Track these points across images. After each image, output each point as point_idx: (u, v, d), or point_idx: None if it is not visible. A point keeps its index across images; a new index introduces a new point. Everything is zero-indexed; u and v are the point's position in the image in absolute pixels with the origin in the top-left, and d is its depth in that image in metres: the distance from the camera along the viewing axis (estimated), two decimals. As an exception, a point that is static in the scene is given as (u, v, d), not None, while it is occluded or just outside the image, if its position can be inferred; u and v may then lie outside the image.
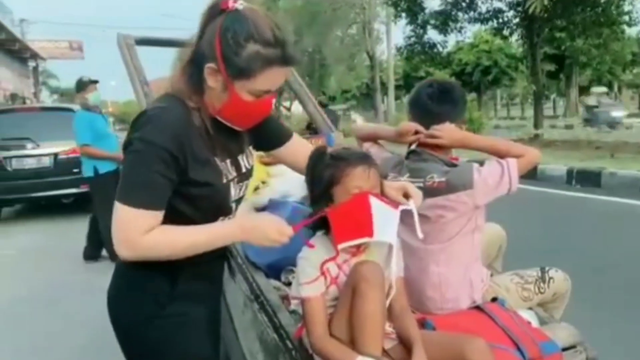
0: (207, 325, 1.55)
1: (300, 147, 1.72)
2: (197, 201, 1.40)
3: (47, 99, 39.57)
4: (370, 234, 1.47)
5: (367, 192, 1.49)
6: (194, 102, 1.39)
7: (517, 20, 15.54)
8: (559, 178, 9.10)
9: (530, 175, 9.55)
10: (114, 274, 1.52)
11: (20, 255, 6.40)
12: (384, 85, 28.79)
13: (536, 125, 15.19)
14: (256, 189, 2.45)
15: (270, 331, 1.75)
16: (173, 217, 1.36)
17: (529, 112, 23.34)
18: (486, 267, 2.21)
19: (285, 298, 1.88)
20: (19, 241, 7.22)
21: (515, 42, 19.73)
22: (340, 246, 1.50)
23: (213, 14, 1.35)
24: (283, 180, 2.39)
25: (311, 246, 1.54)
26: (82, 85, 5.64)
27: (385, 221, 1.50)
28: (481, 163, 1.89)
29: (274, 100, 1.49)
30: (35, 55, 32.26)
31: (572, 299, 2.12)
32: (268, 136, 1.65)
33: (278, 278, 2.02)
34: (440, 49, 17.60)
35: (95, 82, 5.69)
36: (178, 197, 1.37)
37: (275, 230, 1.41)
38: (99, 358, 1.52)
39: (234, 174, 1.48)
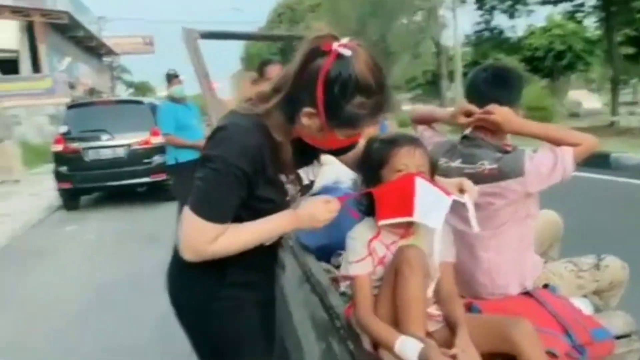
0: (261, 310, 1.64)
1: (358, 149, 1.74)
2: (259, 214, 1.48)
3: (122, 93, 41.37)
4: (410, 213, 1.50)
5: (413, 173, 1.53)
6: (279, 137, 1.42)
7: (592, 2, 14.81)
8: (634, 167, 8.66)
9: (604, 164, 9.15)
10: (172, 260, 1.63)
11: (99, 239, 6.86)
12: (451, 73, 28.23)
13: (613, 112, 14.47)
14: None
15: (320, 311, 1.81)
16: (233, 222, 1.45)
17: (606, 98, 22.18)
18: (541, 255, 2.19)
19: (335, 280, 1.94)
20: (97, 226, 7.69)
21: (591, 26, 18.81)
22: (381, 222, 1.55)
23: (314, 55, 1.30)
24: (333, 167, 2.44)
25: (356, 216, 1.59)
26: (168, 79, 5.92)
27: (431, 204, 1.52)
28: (535, 151, 1.87)
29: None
30: (110, 51, 33.80)
31: (633, 287, 2.07)
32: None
33: (328, 261, 2.09)
34: (509, 35, 17.06)
35: (177, 76, 5.93)
36: (242, 208, 1.44)
37: (323, 211, 1.48)
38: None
39: (295, 190, 1.54)
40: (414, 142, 1.61)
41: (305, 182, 1.60)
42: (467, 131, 1.98)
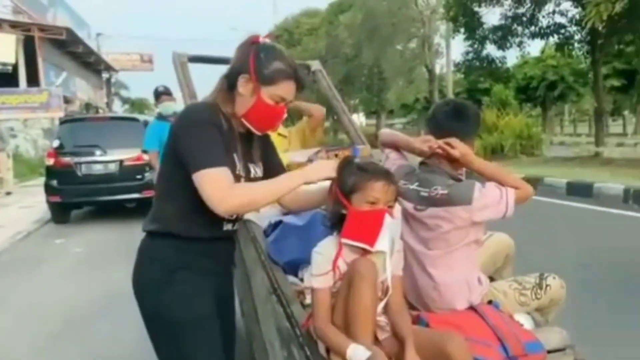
0: (212, 297, 1.81)
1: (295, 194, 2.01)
2: None
3: (118, 109, 41.63)
4: (371, 244, 1.68)
5: (385, 209, 1.69)
6: (226, 109, 1.78)
7: (578, 36, 15.21)
8: (615, 197, 8.89)
9: (587, 193, 9.42)
10: (138, 252, 1.85)
11: (86, 252, 6.97)
12: (444, 98, 28.44)
13: (597, 142, 14.79)
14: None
15: (284, 321, 1.97)
16: (186, 193, 1.67)
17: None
18: (494, 273, 2.37)
19: (301, 292, 2.09)
20: (86, 240, 7.79)
21: (581, 57, 19.22)
22: (344, 240, 1.70)
23: (247, 44, 1.79)
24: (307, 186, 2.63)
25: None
26: (156, 95, 5.90)
27: (385, 233, 1.70)
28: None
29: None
30: (108, 67, 34.09)
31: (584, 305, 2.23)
32: (269, 165, 1.96)
33: (296, 274, 2.25)
34: (499, 64, 17.40)
35: (169, 93, 5.89)
36: None
37: (326, 164, 1.82)
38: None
39: (244, 174, 1.80)
40: (389, 177, 1.73)
41: (252, 175, 1.83)
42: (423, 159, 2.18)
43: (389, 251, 1.73)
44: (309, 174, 1.79)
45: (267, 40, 1.81)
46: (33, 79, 21.09)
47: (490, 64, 17.28)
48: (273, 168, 1.96)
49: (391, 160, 2.30)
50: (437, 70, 28.28)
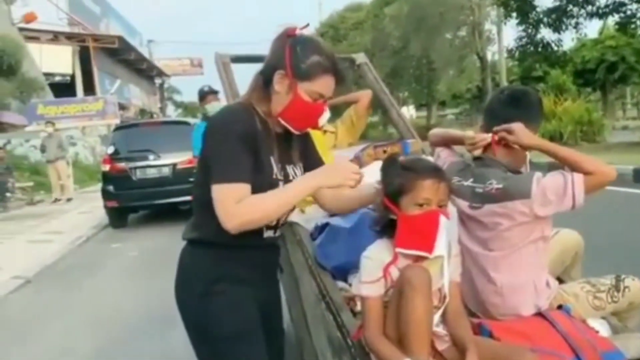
0: (256, 308, 1.71)
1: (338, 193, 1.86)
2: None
3: (172, 113, 42.61)
4: (430, 250, 1.54)
5: (439, 210, 1.55)
6: (262, 108, 1.68)
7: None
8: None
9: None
10: (179, 261, 1.77)
11: (141, 256, 7.08)
12: (497, 87, 27.72)
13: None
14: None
15: (334, 329, 1.85)
16: None
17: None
18: (561, 275, 2.17)
19: (351, 299, 1.97)
20: (140, 244, 7.93)
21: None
22: (399, 249, 1.57)
23: (283, 38, 1.67)
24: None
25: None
26: (202, 96, 5.71)
27: (442, 236, 1.56)
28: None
29: (327, 110, 1.73)
30: (160, 73, 35.00)
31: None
32: (309, 163, 1.83)
33: (345, 280, 2.13)
34: (555, 48, 16.63)
35: (215, 92, 5.69)
36: None
37: (348, 170, 1.64)
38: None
39: (282, 177, 1.69)
40: (439, 174, 1.58)
41: (291, 177, 1.72)
42: (477, 152, 2.01)
43: (446, 255, 1.59)
44: (321, 178, 1.65)
45: (304, 33, 1.69)
46: (89, 88, 21.91)
47: (546, 48, 16.49)
48: (314, 167, 1.84)
49: (442, 159, 2.14)
50: (489, 57, 27.52)
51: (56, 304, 5.36)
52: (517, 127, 1.87)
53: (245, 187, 1.55)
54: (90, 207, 11.50)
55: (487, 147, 1.97)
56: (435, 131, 2.33)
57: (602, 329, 1.81)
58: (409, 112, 43.86)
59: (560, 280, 2.11)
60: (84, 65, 22.06)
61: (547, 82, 28.87)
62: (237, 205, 1.52)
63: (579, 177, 1.74)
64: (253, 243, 1.68)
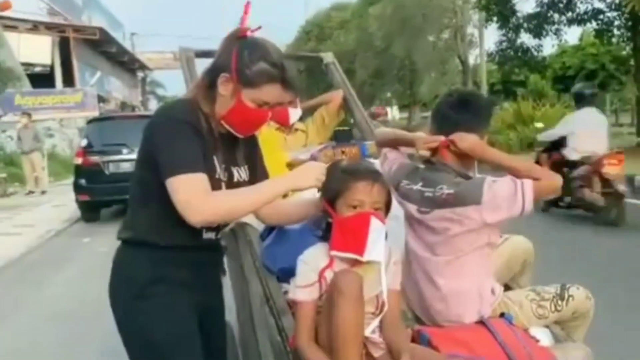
0: (193, 312, 1.66)
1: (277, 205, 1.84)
2: None
3: (154, 107, 42.19)
4: (361, 252, 1.52)
5: (370, 212, 1.53)
6: (205, 108, 1.62)
7: (618, 21, 14.54)
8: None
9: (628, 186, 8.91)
10: (113, 263, 1.71)
11: (110, 252, 6.93)
12: (478, 90, 27.86)
13: (638, 133, 14.14)
14: (285, 196, 2.52)
15: (276, 334, 1.81)
16: (160, 199, 1.52)
17: None
18: (509, 282, 2.16)
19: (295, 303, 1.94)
20: (112, 239, 7.79)
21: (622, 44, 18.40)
22: (332, 252, 1.55)
23: (232, 39, 1.62)
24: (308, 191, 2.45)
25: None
26: None
27: (379, 239, 1.54)
28: None
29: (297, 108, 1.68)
30: (143, 66, 34.61)
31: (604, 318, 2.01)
32: (252, 170, 1.79)
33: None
34: (535, 53, 16.78)
35: None
36: None
37: (318, 171, 1.63)
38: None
39: (225, 178, 1.64)
40: (373, 176, 1.58)
41: (235, 179, 1.69)
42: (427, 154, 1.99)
43: (384, 262, 1.56)
44: (295, 179, 1.64)
45: (255, 35, 1.64)
46: (68, 80, 21.58)
47: (525, 53, 16.64)
48: (258, 172, 1.81)
49: (390, 161, 2.10)
50: (471, 61, 27.68)
51: (20, 299, 5.26)
52: (471, 139, 1.86)
53: (205, 178, 1.51)
54: (64, 200, 11.30)
55: (435, 151, 1.95)
56: (383, 130, 2.30)
57: (544, 337, 1.80)
58: (392, 113, 43.96)
59: (508, 288, 2.10)
60: (63, 57, 21.73)
61: (527, 86, 29.12)
62: (203, 199, 1.48)
63: (528, 183, 1.72)
64: (191, 244, 1.64)
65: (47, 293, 5.43)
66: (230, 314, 2.28)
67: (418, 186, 1.92)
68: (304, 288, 1.56)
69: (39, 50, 20.97)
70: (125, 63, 30.90)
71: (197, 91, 1.66)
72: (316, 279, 1.55)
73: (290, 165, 2.67)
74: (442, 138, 1.91)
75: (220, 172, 1.63)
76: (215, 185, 1.59)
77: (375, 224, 1.53)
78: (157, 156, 1.53)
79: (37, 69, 21.44)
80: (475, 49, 26.83)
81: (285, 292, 2.01)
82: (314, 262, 1.57)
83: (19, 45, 20.07)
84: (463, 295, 1.83)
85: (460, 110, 1.91)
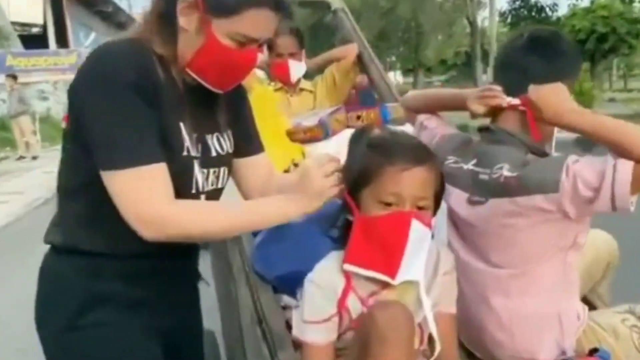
0: (155, 339, 1.17)
1: (259, 169, 1.34)
2: None
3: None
4: (392, 274, 1.02)
5: (411, 212, 1.01)
6: (162, 50, 1.11)
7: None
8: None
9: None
10: (39, 276, 1.21)
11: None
12: (485, 54, 27.12)
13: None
14: (286, 171, 1.99)
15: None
16: (98, 189, 1.03)
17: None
18: (586, 294, 1.61)
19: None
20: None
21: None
22: (347, 267, 1.05)
23: None
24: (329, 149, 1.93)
25: None
26: None
27: (418, 253, 1.03)
28: None
29: (261, 58, 1.18)
30: (140, 27, 33.79)
31: None
32: (239, 137, 1.28)
33: (293, 293, 1.55)
34: (550, 13, 16.03)
35: None
36: None
37: (320, 178, 1.07)
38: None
39: (198, 153, 1.13)
40: (418, 155, 1.05)
41: (214, 153, 1.19)
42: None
43: (423, 280, 1.03)
44: (300, 205, 1.11)
45: None
46: (62, 40, 20.93)
47: (539, 13, 15.90)
48: (251, 141, 1.29)
49: (430, 131, 1.53)
50: (479, 23, 26.79)
51: (2, 270, 4.90)
52: (546, 94, 1.28)
53: (162, 169, 1.04)
54: (55, 166, 10.82)
55: (497, 114, 1.38)
56: (415, 93, 1.71)
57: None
58: (395, 77, 43.09)
59: (586, 302, 1.54)
60: (56, 16, 20.97)
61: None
62: (168, 207, 1.02)
63: (625, 168, 1.13)
64: (149, 251, 1.08)
65: (31, 262, 4.98)
66: (215, 322, 1.78)
67: (470, 165, 1.36)
68: (316, 324, 1.05)
69: (30, 8, 20.23)
70: (122, 24, 29.97)
71: (144, 26, 1.14)
72: (334, 312, 1.04)
73: (292, 134, 2.12)
74: (508, 99, 1.34)
75: (189, 145, 1.11)
76: (185, 165, 1.09)
77: (417, 230, 1.01)
78: (88, 136, 1.03)
79: (32, 30, 20.76)
80: (484, 10, 25.92)
81: (285, 307, 1.49)
82: (329, 284, 1.06)
83: (9, 3, 19.36)
84: (535, 321, 1.29)
85: (531, 54, 1.34)
